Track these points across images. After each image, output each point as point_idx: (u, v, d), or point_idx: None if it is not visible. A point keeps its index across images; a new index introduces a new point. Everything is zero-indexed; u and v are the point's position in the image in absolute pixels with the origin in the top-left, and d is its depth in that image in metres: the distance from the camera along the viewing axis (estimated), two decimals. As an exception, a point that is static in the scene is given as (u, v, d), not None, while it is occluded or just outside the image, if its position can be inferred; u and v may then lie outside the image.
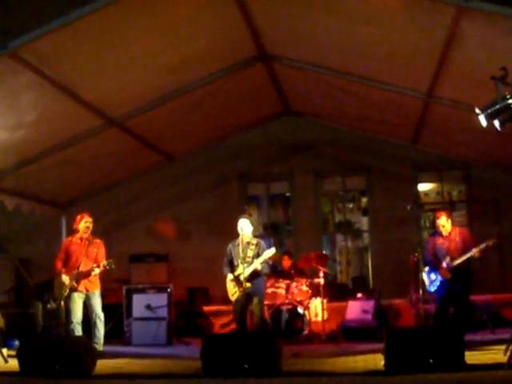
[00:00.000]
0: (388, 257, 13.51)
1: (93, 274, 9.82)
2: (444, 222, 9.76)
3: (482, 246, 9.34)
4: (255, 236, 10.29)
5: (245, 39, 9.75)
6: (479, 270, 10.38)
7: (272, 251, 9.70)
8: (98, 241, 10.24)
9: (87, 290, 9.94)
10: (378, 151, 13.99)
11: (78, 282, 9.85)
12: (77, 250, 10.07)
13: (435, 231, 10.06)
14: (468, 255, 9.40)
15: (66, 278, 9.85)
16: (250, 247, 9.82)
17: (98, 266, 9.78)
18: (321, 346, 10.97)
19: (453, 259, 9.52)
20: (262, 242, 10.04)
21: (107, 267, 9.76)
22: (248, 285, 9.57)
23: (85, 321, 10.02)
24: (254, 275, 9.69)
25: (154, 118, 11.06)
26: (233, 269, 9.88)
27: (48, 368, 7.67)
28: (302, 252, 13.19)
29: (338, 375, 7.51)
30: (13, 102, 8.82)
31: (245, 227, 9.86)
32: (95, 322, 9.93)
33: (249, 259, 9.72)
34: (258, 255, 9.74)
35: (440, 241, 9.80)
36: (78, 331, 9.81)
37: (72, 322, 9.85)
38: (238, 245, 9.83)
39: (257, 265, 9.64)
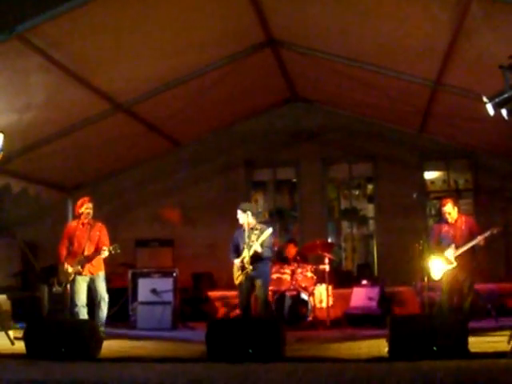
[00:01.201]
0: (393, 244, 13.49)
1: (100, 256, 9.86)
2: (450, 209, 9.79)
3: (487, 233, 9.38)
4: (260, 222, 10.33)
5: (253, 25, 9.71)
6: (483, 258, 10.40)
7: (269, 231, 9.76)
8: (100, 224, 10.23)
9: (91, 273, 9.95)
10: (385, 138, 13.96)
11: (83, 266, 9.88)
12: (79, 234, 10.07)
13: (441, 219, 10.08)
14: (473, 243, 9.44)
15: (68, 267, 9.88)
16: (254, 232, 9.88)
17: (104, 250, 9.80)
18: (325, 332, 11.01)
19: (458, 247, 9.56)
20: (266, 227, 10.07)
21: (113, 252, 9.77)
22: (251, 267, 9.64)
23: (89, 304, 10.06)
24: (257, 259, 9.74)
25: (162, 104, 11.07)
26: (239, 254, 9.94)
27: (54, 351, 7.74)
28: (308, 238, 13.23)
29: (341, 361, 7.54)
30: (20, 85, 8.83)
31: (248, 215, 9.97)
32: (99, 303, 9.93)
33: (252, 243, 9.80)
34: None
35: (445, 228, 9.84)
36: (83, 314, 9.83)
37: (76, 305, 9.86)
38: (244, 230, 9.89)
39: (257, 246, 9.69)
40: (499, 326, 9.79)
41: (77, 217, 10.31)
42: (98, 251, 9.84)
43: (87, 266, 9.91)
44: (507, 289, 11.97)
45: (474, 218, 10.40)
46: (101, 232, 10.15)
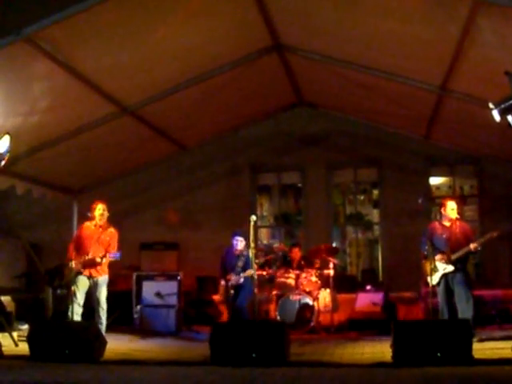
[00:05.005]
0: (398, 249, 13.49)
1: (98, 261, 9.74)
2: (454, 206, 9.67)
3: (486, 237, 9.28)
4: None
5: (260, 30, 9.71)
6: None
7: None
8: (113, 230, 10.13)
9: (91, 275, 9.82)
10: (391, 144, 13.94)
11: (84, 267, 9.81)
12: (89, 235, 10.01)
13: (439, 219, 9.96)
14: (466, 249, 9.30)
15: (73, 263, 9.84)
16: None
17: (104, 257, 9.71)
18: (329, 337, 11.01)
19: (453, 251, 9.42)
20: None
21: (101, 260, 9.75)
22: None
23: (89, 309, 9.92)
24: None
25: (168, 107, 11.07)
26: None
27: (58, 353, 7.76)
28: (313, 243, 13.22)
29: (345, 366, 7.54)
30: (27, 87, 8.84)
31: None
32: (97, 310, 9.80)
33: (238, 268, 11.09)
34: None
35: (440, 231, 9.68)
36: (78, 313, 9.68)
37: (74, 303, 9.74)
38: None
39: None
40: (504, 333, 9.77)
41: (91, 219, 10.25)
42: (103, 256, 9.77)
43: (89, 268, 9.87)
44: (512, 295, 11.94)
45: (470, 225, 10.18)
46: (111, 238, 10.04)
